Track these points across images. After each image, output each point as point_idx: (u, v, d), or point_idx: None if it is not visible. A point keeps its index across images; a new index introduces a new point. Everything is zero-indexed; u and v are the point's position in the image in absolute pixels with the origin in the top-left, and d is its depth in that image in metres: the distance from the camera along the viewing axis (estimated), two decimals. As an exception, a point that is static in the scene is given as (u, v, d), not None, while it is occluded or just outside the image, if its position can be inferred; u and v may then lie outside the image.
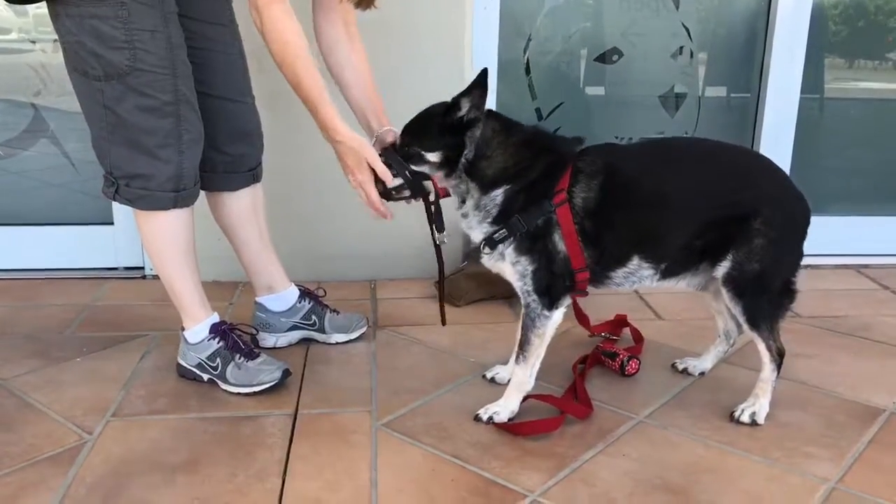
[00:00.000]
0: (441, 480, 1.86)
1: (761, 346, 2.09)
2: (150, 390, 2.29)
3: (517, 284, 2.06)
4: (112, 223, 3.18)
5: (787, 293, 2.08)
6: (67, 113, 3.18)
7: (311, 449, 1.99)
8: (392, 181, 2.03)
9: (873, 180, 3.55)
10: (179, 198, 2.16)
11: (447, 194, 2.11)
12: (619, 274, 2.07)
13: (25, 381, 2.33)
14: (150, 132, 2.07)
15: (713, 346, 2.40)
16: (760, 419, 2.11)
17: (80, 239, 3.22)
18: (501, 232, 2.00)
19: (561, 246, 1.99)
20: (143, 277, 3.21)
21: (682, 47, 3.23)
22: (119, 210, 3.18)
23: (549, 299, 2.04)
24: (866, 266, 3.44)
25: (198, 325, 2.32)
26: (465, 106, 1.94)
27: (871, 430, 2.10)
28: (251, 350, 2.33)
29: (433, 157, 2.00)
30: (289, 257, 2.73)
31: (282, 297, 2.58)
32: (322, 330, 2.61)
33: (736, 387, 2.31)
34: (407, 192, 2.06)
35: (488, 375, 2.36)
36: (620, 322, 2.66)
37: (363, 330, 2.65)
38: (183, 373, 2.36)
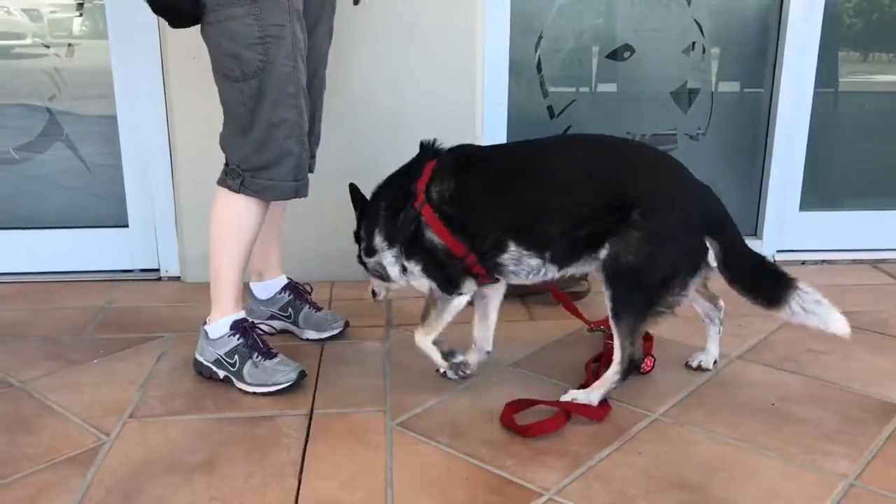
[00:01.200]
0: (456, 479, 1.86)
1: (616, 343, 2.08)
2: (167, 391, 2.31)
3: (421, 285, 2.24)
4: (127, 226, 3.20)
5: (663, 294, 2.01)
6: (82, 116, 3.21)
7: (327, 449, 2.00)
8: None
9: (889, 174, 3.52)
10: (300, 187, 2.27)
11: None
12: (506, 260, 2.11)
13: (44, 384, 2.35)
14: (279, 124, 2.18)
15: (708, 334, 2.39)
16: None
17: (96, 242, 3.24)
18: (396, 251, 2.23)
19: (437, 241, 2.13)
20: (159, 279, 3.23)
21: (694, 43, 3.21)
22: (134, 212, 3.20)
23: (449, 284, 2.18)
24: (882, 261, 3.41)
25: (221, 319, 2.34)
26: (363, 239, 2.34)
27: (889, 426, 2.08)
28: (269, 349, 2.34)
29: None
30: (302, 255, 2.76)
31: (267, 285, 2.66)
32: (296, 324, 2.66)
33: (751, 382, 2.30)
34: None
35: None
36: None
37: (337, 330, 2.66)
38: (200, 369, 2.38)
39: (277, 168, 2.21)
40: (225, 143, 2.27)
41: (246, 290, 2.57)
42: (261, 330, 2.41)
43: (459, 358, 2.30)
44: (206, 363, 2.36)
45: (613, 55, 3.22)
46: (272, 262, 2.65)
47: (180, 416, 2.17)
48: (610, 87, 3.27)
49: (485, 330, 2.37)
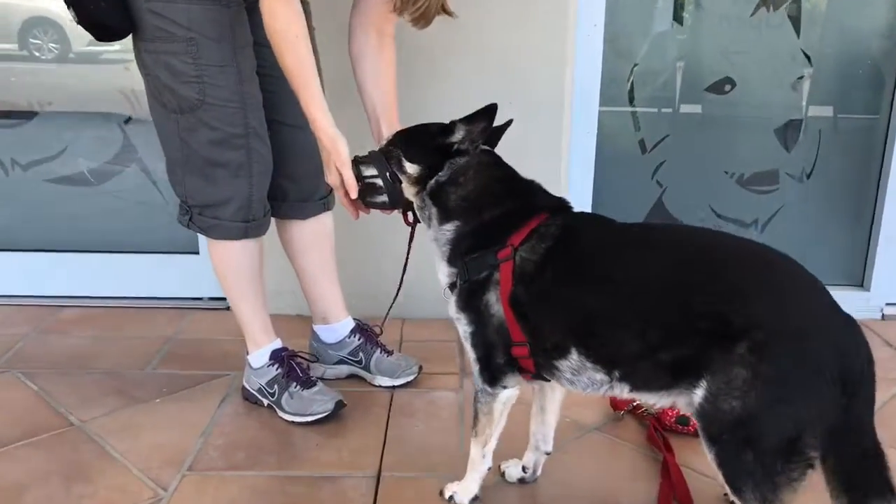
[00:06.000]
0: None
1: None
2: (229, 440, 2.19)
3: (465, 347, 1.83)
4: (198, 252, 3.12)
5: (791, 459, 1.45)
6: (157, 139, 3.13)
7: (395, 521, 1.85)
8: (354, 193, 1.89)
9: None
10: (249, 228, 2.20)
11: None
12: (565, 367, 1.68)
13: (103, 425, 2.26)
14: (221, 164, 2.11)
15: None
16: None
17: (166, 267, 3.17)
18: (450, 275, 1.79)
19: (497, 309, 1.72)
20: (228, 309, 3.12)
21: (801, 76, 2.97)
22: (205, 239, 3.11)
23: (490, 374, 1.79)
24: None
25: (260, 350, 2.35)
26: (460, 133, 1.78)
27: None
28: (308, 378, 2.33)
29: (411, 168, 1.82)
30: (369, 291, 2.62)
31: (333, 328, 2.53)
32: (367, 369, 2.52)
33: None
34: (383, 198, 1.88)
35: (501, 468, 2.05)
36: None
37: (411, 377, 2.52)
38: (246, 396, 2.40)
39: (223, 207, 2.15)
40: (169, 173, 2.20)
41: (292, 322, 2.45)
42: (301, 358, 2.40)
43: None
44: (251, 391, 2.38)
45: (713, 88, 3.00)
46: (333, 303, 2.53)
47: (241, 471, 2.05)
48: (709, 122, 3.04)
49: (542, 425, 1.99)
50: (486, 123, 1.75)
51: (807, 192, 3.09)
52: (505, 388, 1.80)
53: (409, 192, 1.85)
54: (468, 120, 1.76)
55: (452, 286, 1.79)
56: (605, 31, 2.86)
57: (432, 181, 1.80)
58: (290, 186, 2.35)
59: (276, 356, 2.35)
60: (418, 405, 2.41)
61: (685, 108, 3.04)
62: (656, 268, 1.58)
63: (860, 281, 3.16)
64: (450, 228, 1.79)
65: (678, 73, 3.02)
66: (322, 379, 2.50)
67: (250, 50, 2.12)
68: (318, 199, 2.41)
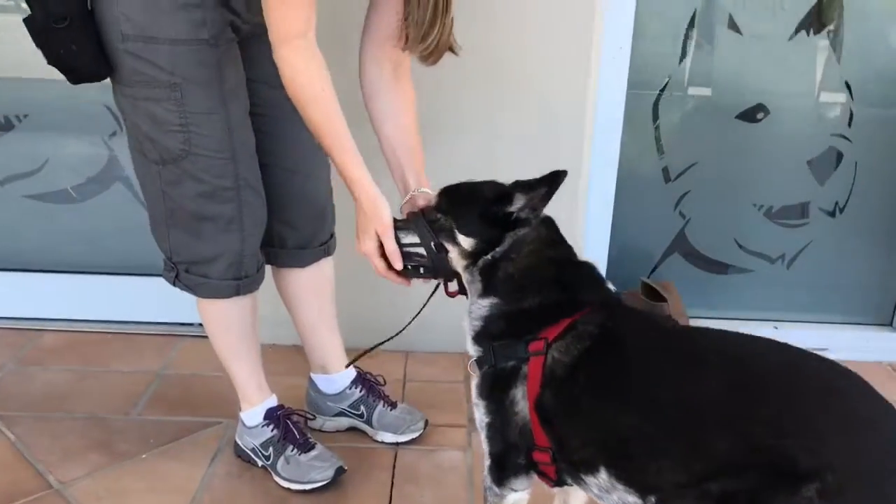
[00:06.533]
0: None
1: None
2: (221, 512, 2.03)
3: (480, 435, 1.63)
4: (188, 275, 2.91)
5: None
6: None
7: None
8: (399, 264, 1.69)
9: None
10: (241, 286, 2.01)
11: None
12: (592, 483, 1.47)
13: (83, 489, 2.09)
14: (209, 218, 1.91)
15: None
16: None
17: (155, 291, 2.93)
18: (477, 351, 1.60)
19: (522, 407, 1.52)
20: (219, 338, 2.94)
21: (840, 105, 2.76)
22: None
23: (500, 473, 1.60)
24: None
25: (254, 409, 2.18)
26: (520, 202, 1.57)
27: None
28: (306, 440, 2.17)
29: (466, 242, 1.61)
30: (370, 323, 2.44)
31: (333, 379, 2.36)
32: (370, 423, 2.34)
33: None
34: (424, 268, 1.68)
35: None
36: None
37: (417, 433, 2.34)
38: (239, 453, 2.24)
39: (212, 264, 1.96)
40: (152, 228, 2.00)
41: (289, 355, 2.27)
42: (299, 416, 2.25)
43: None
44: (245, 449, 2.22)
45: (745, 115, 2.79)
46: (333, 352, 2.34)
47: (233, 556, 1.89)
48: (738, 151, 2.84)
49: None
50: (548, 189, 1.56)
51: (838, 228, 2.90)
52: (514, 490, 1.60)
53: (458, 264, 1.64)
54: (528, 186, 1.56)
55: (479, 363, 1.60)
56: (632, 50, 2.64)
57: (488, 256, 1.59)
58: (289, 233, 2.16)
59: (272, 415, 2.18)
60: (424, 468, 2.24)
61: (715, 138, 2.83)
62: (709, 388, 1.37)
63: (890, 320, 2.99)
64: (486, 304, 1.59)
65: (708, 98, 2.81)
66: (320, 431, 2.36)
67: (243, 91, 1.91)
68: (318, 245, 2.22)
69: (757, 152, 2.84)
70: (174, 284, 2.03)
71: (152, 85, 1.76)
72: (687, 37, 2.72)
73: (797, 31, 2.69)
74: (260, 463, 2.18)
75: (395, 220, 1.70)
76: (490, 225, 1.59)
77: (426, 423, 2.37)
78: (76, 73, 1.79)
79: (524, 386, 1.51)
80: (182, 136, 1.80)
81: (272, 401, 2.20)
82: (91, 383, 2.61)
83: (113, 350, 2.82)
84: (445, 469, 2.24)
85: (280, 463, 2.13)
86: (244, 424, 2.20)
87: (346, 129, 1.72)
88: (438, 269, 1.66)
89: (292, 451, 2.13)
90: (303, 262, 2.21)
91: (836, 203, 2.87)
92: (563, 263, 1.60)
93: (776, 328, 2.91)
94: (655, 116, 2.80)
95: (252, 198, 1.95)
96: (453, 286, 1.72)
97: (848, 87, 2.74)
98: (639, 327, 1.53)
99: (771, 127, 2.80)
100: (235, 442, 2.25)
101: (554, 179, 1.54)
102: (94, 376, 2.65)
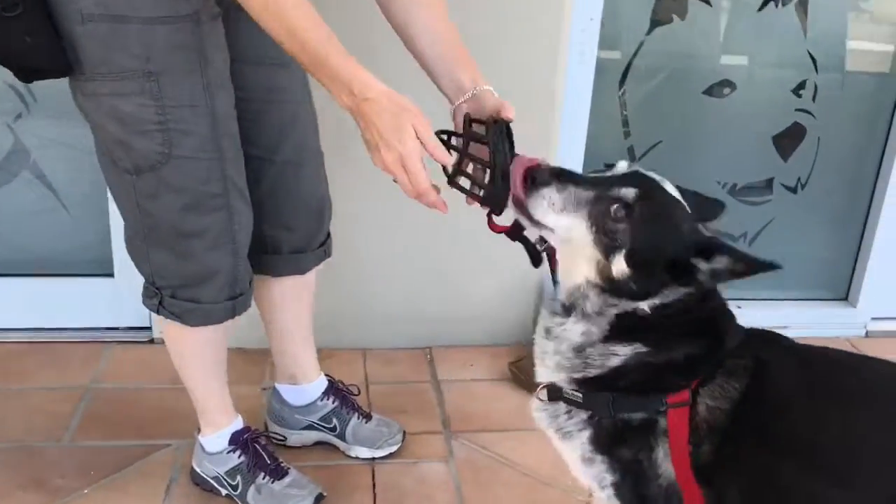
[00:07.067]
0: None
1: None
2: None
3: (596, 492, 1.41)
4: (112, 275, 2.60)
5: None
6: (55, 141, 2.55)
7: None
8: (450, 160, 1.35)
9: None
10: (238, 305, 1.75)
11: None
12: None
13: (22, 541, 1.81)
14: (196, 234, 1.64)
15: None
16: None
17: (76, 292, 2.64)
18: (576, 397, 1.34)
19: (666, 468, 1.30)
20: (151, 341, 2.65)
21: (805, 80, 2.69)
22: (122, 258, 2.59)
23: None
24: None
25: (218, 433, 1.94)
26: (719, 264, 1.23)
27: None
28: (278, 466, 1.95)
29: (620, 267, 1.25)
30: (326, 320, 2.23)
31: (303, 390, 2.13)
32: (343, 437, 2.13)
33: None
34: (481, 192, 1.37)
35: None
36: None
37: (395, 447, 2.14)
38: (197, 481, 1.99)
39: (203, 287, 1.69)
40: (128, 247, 1.73)
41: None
42: (269, 438, 2.05)
43: None
44: (206, 477, 1.97)
45: (710, 91, 2.68)
46: (306, 361, 2.12)
47: None
48: (701, 129, 2.74)
49: None
50: (749, 270, 1.22)
51: (799, 204, 2.85)
52: None
53: (580, 271, 1.29)
54: (736, 255, 1.23)
55: (554, 392, 1.36)
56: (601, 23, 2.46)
57: (643, 306, 1.28)
58: (284, 236, 1.88)
59: (237, 440, 1.94)
60: (408, 485, 2.06)
61: (680, 114, 2.72)
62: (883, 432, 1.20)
63: (845, 294, 2.99)
64: (620, 351, 1.30)
65: (674, 74, 2.68)
66: (284, 446, 2.13)
67: (227, 76, 1.62)
68: (317, 247, 1.95)
69: (722, 129, 2.75)
70: (158, 312, 1.75)
71: (122, 77, 1.46)
72: (656, 9, 2.57)
73: (765, 1, 2.58)
74: (224, 492, 1.95)
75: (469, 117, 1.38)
76: (665, 268, 1.26)
77: (404, 434, 2.18)
78: (28, 71, 1.48)
79: (665, 444, 1.28)
80: (161, 136, 1.51)
81: (238, 423, 1.97)
82: (14, 405, 2.28)
83: (32, 363, 2.48)
84: (432, 485, 2.07)
85: (251, 493, 1.90)
86: (204, 450, 1.96)
87: (326, 26, 1.34)
88: (494, 199, 1.32)
89: (264, 478, 1.91)
90: (302, 268, 1.95)
91: (799, 179, 2.82)
92: (720, 311, 1.35)
93: (739, 307, 2.83)
94: (622, 93, 2.66)
95: (241, 204, 1.68)
96: (503, 220, 1.38)
97: (813, 60, 2.67)
98: (794, 358, 1.32)
99: (737, 102, 2.70)
100: (193, 468, 2.00)
101: (765, 267, 1.21)
102: (17, 397, 2.32)
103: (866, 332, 2.96)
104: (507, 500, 2.03)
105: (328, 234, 1.99)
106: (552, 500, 2.04)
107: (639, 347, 1.29)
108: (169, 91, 1.49)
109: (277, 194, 1.82)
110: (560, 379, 1.35)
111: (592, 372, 1.32)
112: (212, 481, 1.96)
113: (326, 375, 2.16)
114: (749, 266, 1.22)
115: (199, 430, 1.97)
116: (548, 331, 1.37)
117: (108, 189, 1.73)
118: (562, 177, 1.28)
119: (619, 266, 1.26)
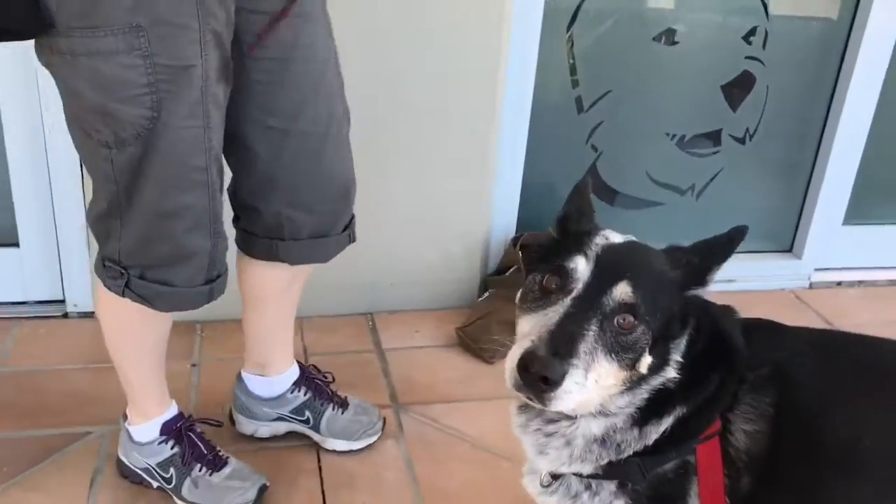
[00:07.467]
0: None
1: None
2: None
3: None
4: (17, 244, 2.37)
5: None
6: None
7: None
8: None
9: None
10: (215, 289, 1.57)
11: None
12: None
13: (-75, 552, 1.61)
14: (176, 213, 1.46)
15: None
16: None
17: (-26, 265, 2.39)
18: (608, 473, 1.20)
19: None
20: (65, 316, 2.42)
21: (755, 27, 2.59)
22: (27, 226, 2.36)
23: None
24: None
25: (149, 423, 1.77)
26: (713, 276, 1.13)
27: None
28: (216, 456, 1.79)
29: (646, 362, 1.11)
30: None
31: (270, 382, 1.96)
32: (317, 430, 1.96)
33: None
34: None
35: None
36: None
37: (374, 437, 1.99)
38: (126, 473, 1.82)
39: (178, 268, 1.50)
40: (94, 222, 1.53)
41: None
42: (208, 423, 1.86)
43: None
44: (134, 469, 1.80)
45: (659, 39, 2.56)
46: (281, 350, 1.94)
47: None
48: (651, 78, 2.63)
49: None
50: (729, 251, 1.12)
51: (747, 155, 2.78)
52: None
53: (602, 395, 1.12)
54: (710, 250, 1.13)
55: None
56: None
57: (667, 374, 1.14)
58: (304, 219, 1.67)
59: (170, 429, 1.76)
60: (354, 468, 1.92)
61: (629, 64, 2.59)
62: None
63: (790, 246, 2.96)
64: (663, 424, 1.16)
65: (623, 19, 2.55)
66: (255, 438, 1.97)
67: (227, 34, 1.41)
68: (342, 230, 1.75)
69: (672, 78, 2.65)
70: (123, 294, 1.52)
71: (104, 31, 1.26)
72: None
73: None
74: (156, 484, 1.79)
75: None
76: (678, 319, 1.14)
77: (384, 421, 2.02)
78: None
79: (694, 483, 1.17)
80: (149, 99, 1.32)
81: (172, 410, 1.78)
82: None
83: (-71, 344, 2.24)
84: (381, 466, 1.94)
85: (186, 486, 1.74)
86: (132, 440, 1.78)
87: None
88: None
89: (200, 470, 1.75)
90: (325, 255, 1.75)
91: (747, 129, 2.74)
92: (732, 325, 1.21)
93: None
94: (570, 39, 2.51)
95: (218, 176, 1.49)
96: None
97: (764, 5, 2.57)
98: (808, 353, 1.20)
99: (687, 50, 2.59)
100: (119, 459, 1.82)
101: (737, 238, 1.12)
102: (-89, 384, 2.09)
103: (810, 284, 2.94)
104: (462, 476, 1.92)
105: (352, 217, 1.78)
106: (508, 474, 1.92)
107: (679, 411, 1.16)
108: (162, 47, 1.30)
109: (296, 172, 1.61)
110: (582, 469, 1.20)
111: (630, 451, 1.17)
112: (141, 473, 1.79)
113: (298, 363, 1.99)
114: (728, 247, 1.12)
115: (125, 417, 1.79)
116: (542, 431, 1.22)
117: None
118: (558, 351, 1.04)
119: (647, 361, 1.11)
